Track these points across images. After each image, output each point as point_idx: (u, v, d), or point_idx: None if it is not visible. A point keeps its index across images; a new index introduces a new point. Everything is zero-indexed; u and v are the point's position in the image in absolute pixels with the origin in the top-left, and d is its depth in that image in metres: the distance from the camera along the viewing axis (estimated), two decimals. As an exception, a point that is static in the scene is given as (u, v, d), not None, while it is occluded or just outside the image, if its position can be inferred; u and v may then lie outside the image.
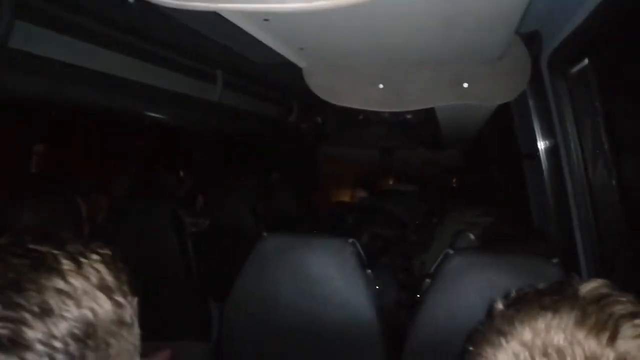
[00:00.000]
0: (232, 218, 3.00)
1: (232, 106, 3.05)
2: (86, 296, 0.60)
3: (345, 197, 5.06)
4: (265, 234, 1.58)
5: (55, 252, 0.62)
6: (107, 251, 0.69)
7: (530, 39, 1.61)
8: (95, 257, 0.65)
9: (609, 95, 1.45)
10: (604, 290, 0.62)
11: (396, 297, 2.52)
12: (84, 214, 2.01)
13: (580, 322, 0.58)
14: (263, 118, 3.72)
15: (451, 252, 1.46)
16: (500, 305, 0.68)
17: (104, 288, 0.63)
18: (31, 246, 0.62)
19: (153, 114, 2.72)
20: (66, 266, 0.61)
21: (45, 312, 0.56)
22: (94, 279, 0.62)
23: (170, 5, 0.84)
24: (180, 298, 2.18)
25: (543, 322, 0.60)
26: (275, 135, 4.81)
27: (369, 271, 1.56)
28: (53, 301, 0.57)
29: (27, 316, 0.55)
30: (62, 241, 0.66)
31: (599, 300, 0.60)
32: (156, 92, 2.33)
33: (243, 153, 4.76)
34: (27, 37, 1.60)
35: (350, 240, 1.54)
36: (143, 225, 2.34)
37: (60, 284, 0.58)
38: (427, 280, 1.51)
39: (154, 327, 0.74)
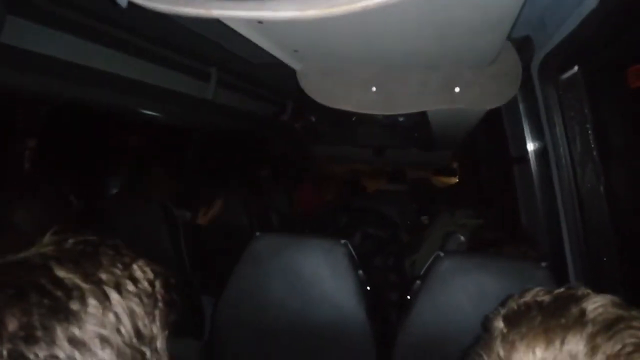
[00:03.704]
0: (225, 215, 3.00)
1: (225, 104, 3.05)
2: (103, 346, 0.56)
3: (337, 196, 5.06)
4: (257, 233, 1.58)
5: (83, 285, 0.58)
6: (149, 274, 0.66)
7: (522, 45, 1.62)
8: (131, 287, 0.62)
9: (598, 102, 1.47)
10: (613, 312, 0.58)
11: (387, 298, 2.54)
12: (77, 210, 2.01)
13: (590, 356, 0.54)
14: (256, 116, 3.72)
15: (441, 254, 1.47)
16: (500, 323, 0.63)
17: (126, 335, 0.59)
18: (59, 273, 0.58)
19: (146, 111, 2.71)
20: (91, 308, 0.57)
21: None
22: (119, 324, 0.59)
23: (164, 12, 0.85)
24: (173, 295, 2.17)
25: (550, 354, 0.56)
26: (268, 133, 4.80)
27: (361, 272, 1.57)
28: (63, 354, 0.54)
29: None
30: (97, 261, 0.62)
31: (608, 327, 0.56)
32: (149, 89, 2.32)
33: (236, 151, 4.75)
34: (19, 32, 1.59)
35: (343, 241, 1.55)
36: (136, 222, 2.34)
37: (76, 333, 0.55)
38: (417, 282, 1.52)
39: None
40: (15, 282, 0.56)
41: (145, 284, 0.64)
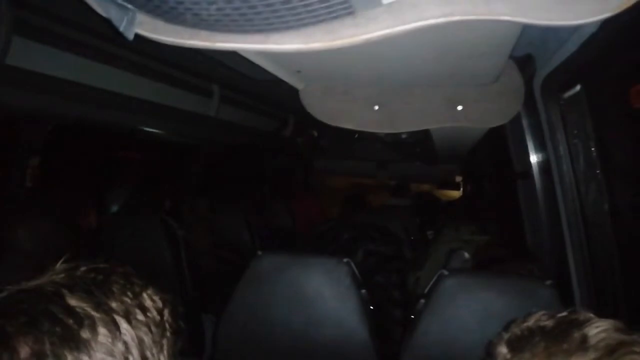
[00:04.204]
0: (227, 233, 3.00)
1: (228, 121, 3.06)
2: None
3: (340, 211, 5.05)
4: (260, 252, 1.58)
5: (94, 314, 0.59)
6: (158, 303, 0.67)
7: (524, 63, 1.63)
8: (140, 317, 0.63)
9: (601, 120, 1.47)
10: (615, 337, 0.58)
11: (390, 315, 2.51)
12: (80, 228, 2.01)
13: None
14: (259, 132, 3.73)
15: (445, 272, 1.46)
16: (503, 348, 0.64)
17: None
18: (70, 302, 0.59)
19: (150, 129, 2.73)
20: (101, 337, 0.58)
21: None
22: (128, 353, 0.60)
23: (169, 43, 0.86)
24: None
25: None
26: (270, 149, 4.82)
27: (364, 291, 1.56)
28: None
29: None
30: (108, 289, 0.63)
31: (610, 352, 0.57)
32: (153, 107, 2.34)
33: (239, 167, 4.76)
34: (24, 53, 1.61)
35: (345, 259, 1.55)
36: (137, 239, 2.34)
37: None
38: (421, 300, 1.51)
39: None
40: (28, 310, 0.57)
41: (154, 313, 0.66)
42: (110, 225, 2.52)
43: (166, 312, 0.68)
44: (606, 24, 0.93)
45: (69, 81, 1.82)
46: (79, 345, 0.56)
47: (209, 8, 0.69)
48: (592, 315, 0.64)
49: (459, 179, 6.34)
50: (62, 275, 0.64)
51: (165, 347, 0.66)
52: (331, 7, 0.70)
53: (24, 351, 0.54)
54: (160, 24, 0.84)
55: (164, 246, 2.29)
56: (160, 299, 0.69)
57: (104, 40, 1.85)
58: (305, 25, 0.76)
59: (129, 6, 0.79)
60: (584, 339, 0.59)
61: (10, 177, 2.36)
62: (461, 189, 6.39)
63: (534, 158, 2.06)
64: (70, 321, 0.57)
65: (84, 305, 0.59)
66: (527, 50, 1.56)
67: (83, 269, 0.66)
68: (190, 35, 0.83)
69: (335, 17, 0.74)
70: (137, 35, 0.94)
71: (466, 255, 2.36)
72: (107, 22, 0.85)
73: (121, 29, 0.81)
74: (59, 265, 0.66)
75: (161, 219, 2.35)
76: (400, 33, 0.75)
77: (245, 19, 0.70)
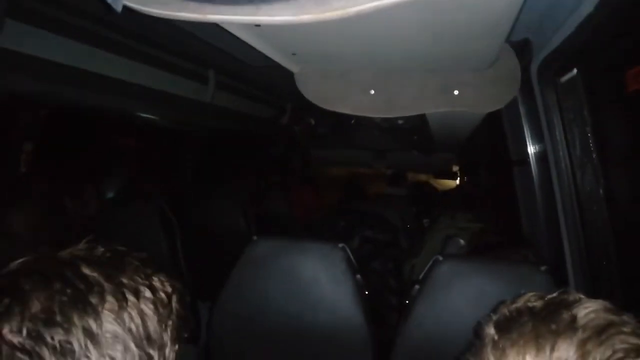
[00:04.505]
0: (224, 219, 2.99)
1: (224, 107, 3.05)
2: (114, 342, 0.60)
3: (337, 199, 5.06)
4: (255, 237, 1.57)
5: (105, 284, 0.62)
6: (167, 287, 0.70)
7: (521, 47, 1.62)
8: (148, 294, 0.66)
9: (597, 105, 1.46)
10: (604, 318, 0.58)
11: (386, 301, 2.53)
12: (74, 214, 2.00)
13: None
14: (255, 119, 3.72)
15: (440, 258, 1.46)
16: (491, 330, 0.63)
17: (137, 336, 0.63)
18: (84, 271, 0.63)
19: (144, 115, 2.71)
20: (108, 305, 0.61)
21: (65, 353, 0.56)
22: (132, 324, 0.62)
23: (159, 16, 0.84)
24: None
25: None
26: (267, 136, 4.80)
27: (359, 276, 1.57)
28: (77, 343, 0.57)
29: (46, 352, 0.56)
30: (121, 267, 0.66)
31: (599, 332, 0.56)
32: (147, 92, 2.32)
33: (235, 154, 4.74)
34: (18, 36, 1.59)
35: (341, 245, 1.54)
36: (133, 225, 2.33)
37: (92, 325, 0.59)
38: (416, 286, 1.51)
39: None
40: (44, 271, 0.61)
41: (162, 295, 0.69)
42: (106, 212, 2.52)
43: (174, 298, 0.71)
44: (602, 4, 0.92)
45: (64, 65, 1.80)
46: (86, 308, 0.59)
47: None
48: (581, 296, 0.64)
49: (455, 168, 6.35)
50: (82, 251, 0.68)
51: (169, 329, 0.68)
52: None
53: (35, 306, 0.57)
54: None
55: (160, 234, 2.29)
56: (170, 285, 0.71)
57: (98, 24, 1.83)
58: None
59: None
60: (573, 319, 0.58)
61: (4, 163, 2.34)
62: (458, 178, 6.40)
63: (530, 144, 2.05)
64: (82, 286, 0.61)
65: (96, 275, 0.63)
66: (524, 34, 1.55)
67: (102, 248, 0.70)
68: (179, 7, 0.82)
69: None
70: (130, 18, 0.92)
71: (462, 242, 2.37)
72: (98, -1, 0.84)
73: (109, 0, 0.80)
74: (81, 244, 0.70)
75: (157, 206, 2.34)
76: (391, 5, 0.73)
77: None
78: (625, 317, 0.59)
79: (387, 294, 2.62)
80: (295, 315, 1.51)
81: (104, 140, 3.43)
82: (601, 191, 1.51)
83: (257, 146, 5.10)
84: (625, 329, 0.56)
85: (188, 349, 2.21)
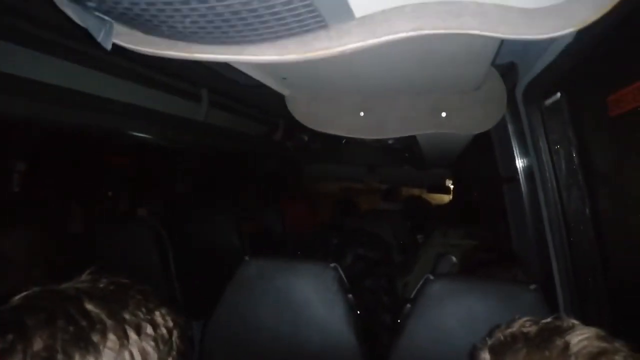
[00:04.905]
0: (217, 237, 2.98)
1: (218, 125, 3.06)
2: None
3: (330, 215, 5.05)
4: (247, 257, 1.58)
5: (107, 321, 0.62)
6: (169, 322, 0.70)
7: (507, 70, 1.66)
8: (150, 331, 0.66)
9: (581, 127, 1.49)
10: (597, 345, 0.59)
11: (380, 320, 2.52)
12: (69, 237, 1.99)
13: None
14: (249, 136, 3.73)
15: (431, 277, 1.47)
16: (486, 354, 0.64)
17: None
18: (87, 306, 0.63)
19: (138, 134, 2.72)
20: (110, 342, 0.61)
21: None
22: None
23: (148, 54, 0.87)
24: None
25: None
26: (260, 153, 4.81)
27: (351, 296, 1.57)
28: None
29: None
30: (124, 301, 0.66)
31: None
32: (140, 111, 2.34)
33: (228, 171, 4.75)
34: (8, 57, 1.60)
35: (332, 264, 1.55)
36: (126, 244, 2.33)
37: None
38: (408, 305, 1.52)
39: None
40: (47, 307, 0.61)
41: (164, 331, 0.69)
42: (99, 229, 2.51)
43: (175, 333, 0.71)
44: (580, 35, 0.95)
45: (56, 86, 1.81)
46: (87, 346, 0.59)
47: (183, 21, 0.70)
48: (576, 322, 0.64)
49: (449, 183, 6.38)
50: (86, 283, 0.68)
51: None
52: (304, 21, 0.71)
53: (37, 345, 0.57)
54: (138, 34, 0.86)
55: (153, 252, 2.28)
56: (172, 319, 0.72)
57: (90, 45, 1.84)
58: (280, 37, 0.77)
59: (106, 18, 0.80)
60: (566, 346, 0.59)
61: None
62: (452, 193, 6.43)
63: (519, 163, 2.08)
64: (84, 323, 0.61)
65: (99, 311, 0.63)
66: (509, 58, 1.58)
67: (105, 280, 0.70)
68: (167, 46, 0.85)
69: (309, 31, 0.76)
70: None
71: (453, 259, 2.38)
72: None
73: (99, 39, 0.82)
74: (84, 275, 0.70)
75: (149, 224, 2.34)
76: (373, 46, 0.76)
77: (221, 32, 0.72)
78: (617, 345, 0.60)
79: (381, 311, 2.61)
80: (287, 336, 1.51)
81: (97, 160, 3.43)
82: (587, 211, 1.53)
83: (251, 163, 5.11)
84: (617, 358, 0.57)
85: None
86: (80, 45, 1.81)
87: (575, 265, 1.63)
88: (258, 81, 1.46)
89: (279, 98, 1.77)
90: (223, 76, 2.03)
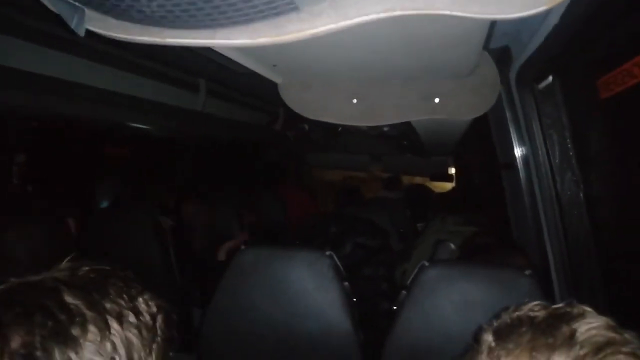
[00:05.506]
0: (217, 226, 3.00)
1: (216, 115, 3.06)
2: None
3: (331, 204, 5.07)
4: (243, 246, 1.59)
5: (87, 312, 0.61)
6: (152, 308, 0.69)
7: (501, 55, 1.64)
8: (132, 319, 0.65)
9: (574, 111, 1.49)
10: (604, 335, 0.56)
11: (378, 308, 2.54)
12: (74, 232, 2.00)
13: None
14: (248, 126, 3.73)
15: (426, 264, 1.47)
16: (489, 336, 0.62)
17: None
18: (66, 299, 0.61)
19: (136, 124, 2.72)
20: (90, 335, 0.60)
21: None
22: (116, 354, 0.61)
23: (120, 39, 0.87)
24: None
25: None
26: (261, 142, 4.80)
27: (346, 283, 1.58)
28: None
29: None
30: (105, 290, 0.65)
31: (597, 350, 0.54)
32: (138, 102, 2.34)
33: (228, 161, 4.76)
34: (6, 49, 1.60)
35: (328, 252, 1.56)
36: (126, 234, 2.34)
37: (72, 357, 0.57)
38: (403, 292, 1.53)
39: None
40: (24, 301, 0.59)
41: (147, 318, 0.67)
42: (98, 219, 2.53)
43: (159, 318, 0.70)
44: (565, 15, 0.94)
45: (54, 78, 1.82)
46: (67, 341, 0.57)
47: (150, 4, 0.70)
48: (587, 309, 0.62)
49: (452, 170, 6.35)
50: (65, 272, 0.66)
51: (154, 351, 0.67)
52: (274, 3, 0.71)
53: (15, 342, 0.56)
54: (110, 20, 0.86)
55: (152, 241, 2.30)
56: (156, 305, 0.70)
57: (87, 35, 1.84)
58: (252, 20, 0.77)
59: (77, 4, 0.80)
60: (572, 334, 0.57)
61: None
62: (454, 180, 6.41)
63: (516, 149, 2.07)
64: (63, 317, 0.59)
65: (78, 303, 0.61)
66: (502, 42, 1.57)
67: (85, 268, 0.68)
68: (140, 31, 0.85)
69: (280, 13, 0.76)
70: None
71: (452, 246, 2.37)
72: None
73: (72, 25, 0.82)
74: (64, 263, 0.68)
75: (149, 213, 2.36)
76: (345, 28, 0.76)
77: (189, 15, 0.71)
78: (627, 336, 0.57)
79: (379, 299, 2.62)
80: (283, 323, 1.52)
81: (96, 150, 3.45)
82: (581, 195, 1.53)
83: (251, 153, 5.11)
84: (624, 349, 0.54)
85: (182, 357, 2.23)
86: (75, 36, 1.81)
87: (569, 250, 1.63)
88: (252, 70, 1.46)
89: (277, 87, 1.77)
90: (220, 65, 2.03)
